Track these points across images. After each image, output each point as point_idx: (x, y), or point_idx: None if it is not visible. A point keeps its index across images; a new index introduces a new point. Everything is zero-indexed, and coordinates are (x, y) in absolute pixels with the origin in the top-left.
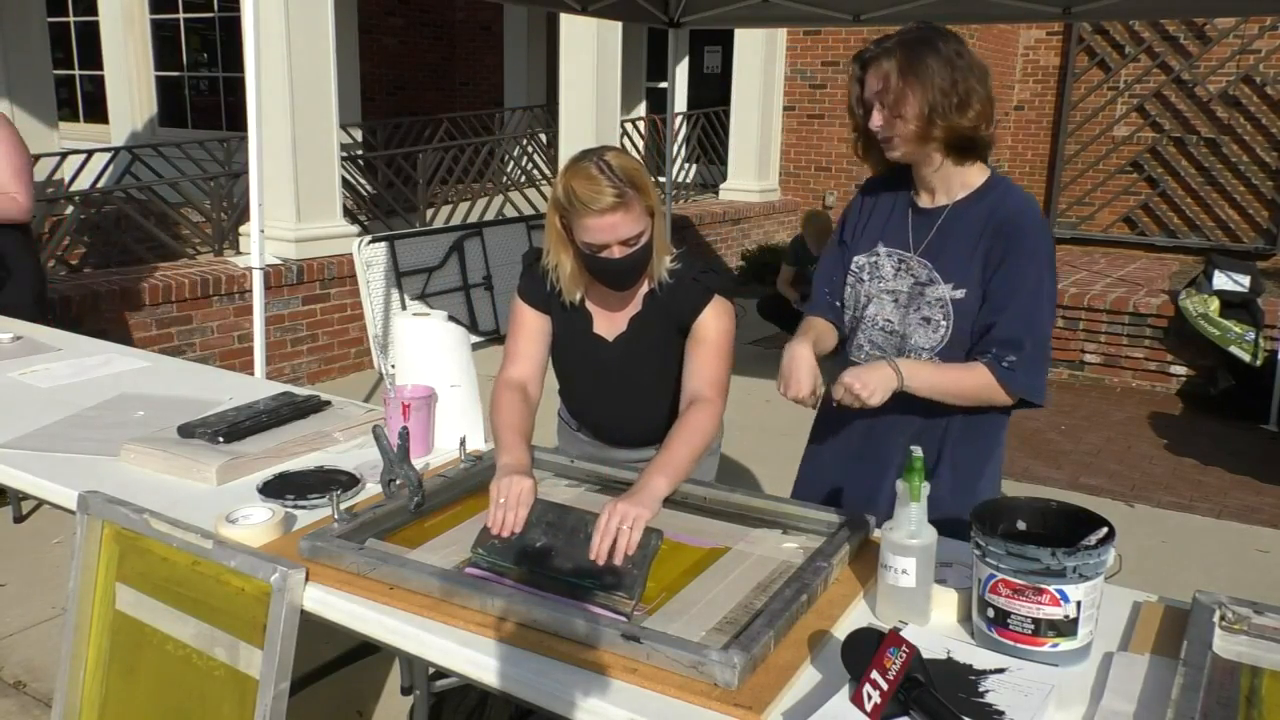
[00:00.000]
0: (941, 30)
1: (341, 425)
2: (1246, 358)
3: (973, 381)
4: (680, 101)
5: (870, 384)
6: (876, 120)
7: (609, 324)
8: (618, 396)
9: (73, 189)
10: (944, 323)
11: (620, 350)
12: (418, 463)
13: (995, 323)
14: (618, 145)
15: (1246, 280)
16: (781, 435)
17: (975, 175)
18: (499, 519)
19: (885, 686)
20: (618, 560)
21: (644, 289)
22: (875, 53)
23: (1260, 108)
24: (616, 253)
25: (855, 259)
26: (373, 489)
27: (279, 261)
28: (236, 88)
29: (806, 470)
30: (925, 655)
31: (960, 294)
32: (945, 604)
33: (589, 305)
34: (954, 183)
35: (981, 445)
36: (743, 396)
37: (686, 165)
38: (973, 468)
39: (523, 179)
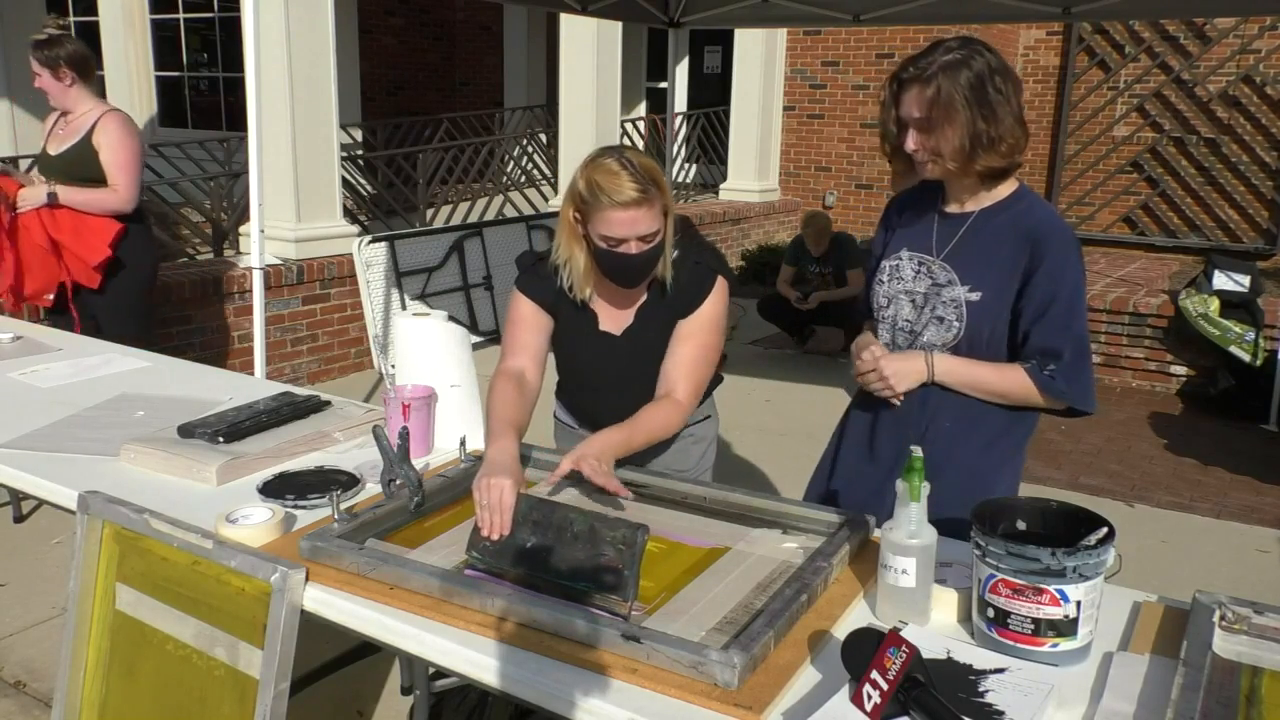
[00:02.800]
0: (979, 49)
1: (341, 425)
2: (1246, 358)
3: (1011, 382)
4: (680, 101)
5: (898, 373)
6: (911, 144)
7: (615, 320)
8: (624, 390)
9: None
10: (956, 323)
11: (627, 344)
12: (418, 463)
13: (1031, 332)
14: (622, 145)
15: (1246, 280)
16: (781, 435)
17: (1004, 187)
18: (485, 520)
19: (885, 686)
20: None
21: (654, 281)
22: (913, 75)
23: (1260, 108)
24: (634, 248)
25: (882, 263)
26: (373, 489)
27: (279, 261)
28: (236, 88)
29: (823, 466)
30: (925, 655)
31: (976, 296)
32: (945, 604)
33: (593, 304)
34: (983, 195)
35: (998, 450)
36: (743, 396)
37: (686, 165)
38: (987, 473)
39: (523, 179)
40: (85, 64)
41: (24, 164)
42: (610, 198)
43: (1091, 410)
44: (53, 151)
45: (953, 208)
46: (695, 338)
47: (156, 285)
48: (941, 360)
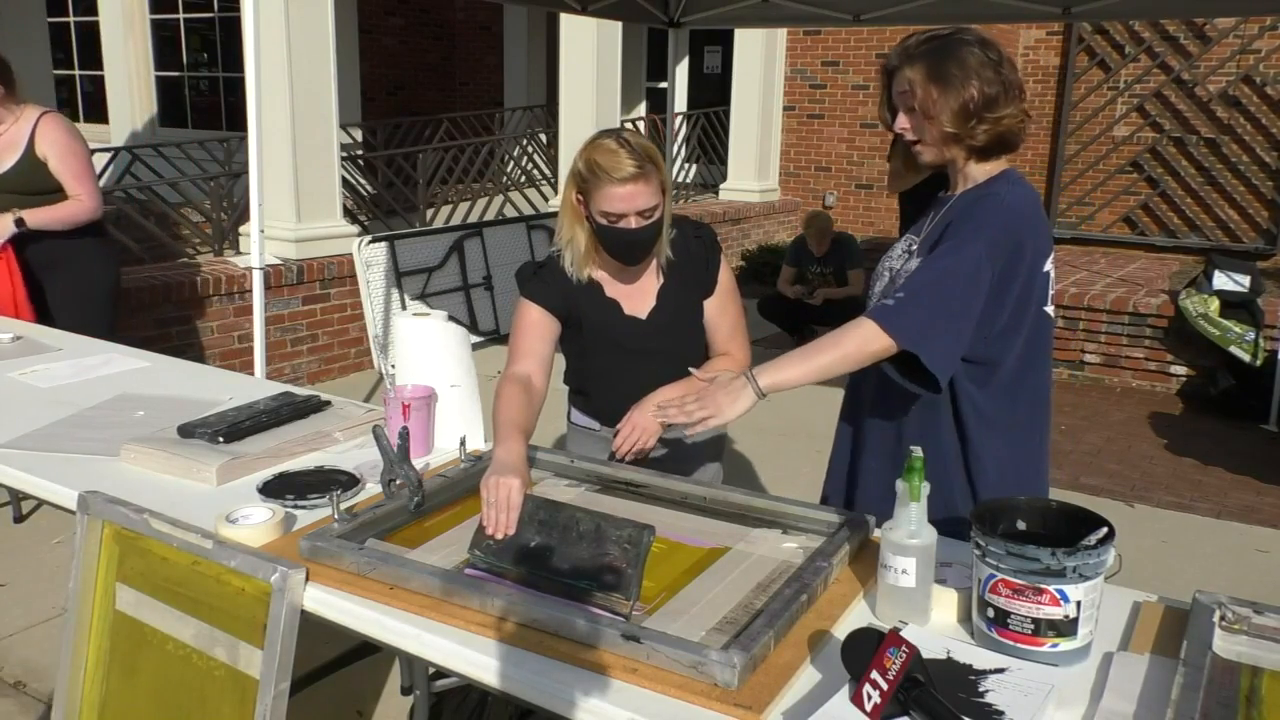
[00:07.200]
0: (962, 30)
1: (341, 425)
2: (1246, 358)
3: (845, 339)
4: (680, 101)
5: (715, 403)
6: (903, 122)
7: (637, 303)
8: (659, 373)
9: None
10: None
11: (655, 324)
12: (418, 463)
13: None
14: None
15: (1246, 280)
16: (781, 436)
17: (991, 167)
18: (491, 519)
19: (885, 686)
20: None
21: (659, 261)
22: (899, 59)
23: (1260, 108)
24: (633, 223)
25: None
26: (373, 489)
27: (279, 261)
28: (236, 88)
29: (833, 464)
30: (925, 655)
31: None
32: (945, 604)
33: (611, 293)
34: (971, 176)
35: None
36: None
37: (686, 165)
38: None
39: (523, 179)
40: (9, 71)
41: None
42: (609, 174)
43: (919, 352)
44: None
45: (946, 192)
46: (729, 308)
47: (120, 299)
48: (766, 370)
